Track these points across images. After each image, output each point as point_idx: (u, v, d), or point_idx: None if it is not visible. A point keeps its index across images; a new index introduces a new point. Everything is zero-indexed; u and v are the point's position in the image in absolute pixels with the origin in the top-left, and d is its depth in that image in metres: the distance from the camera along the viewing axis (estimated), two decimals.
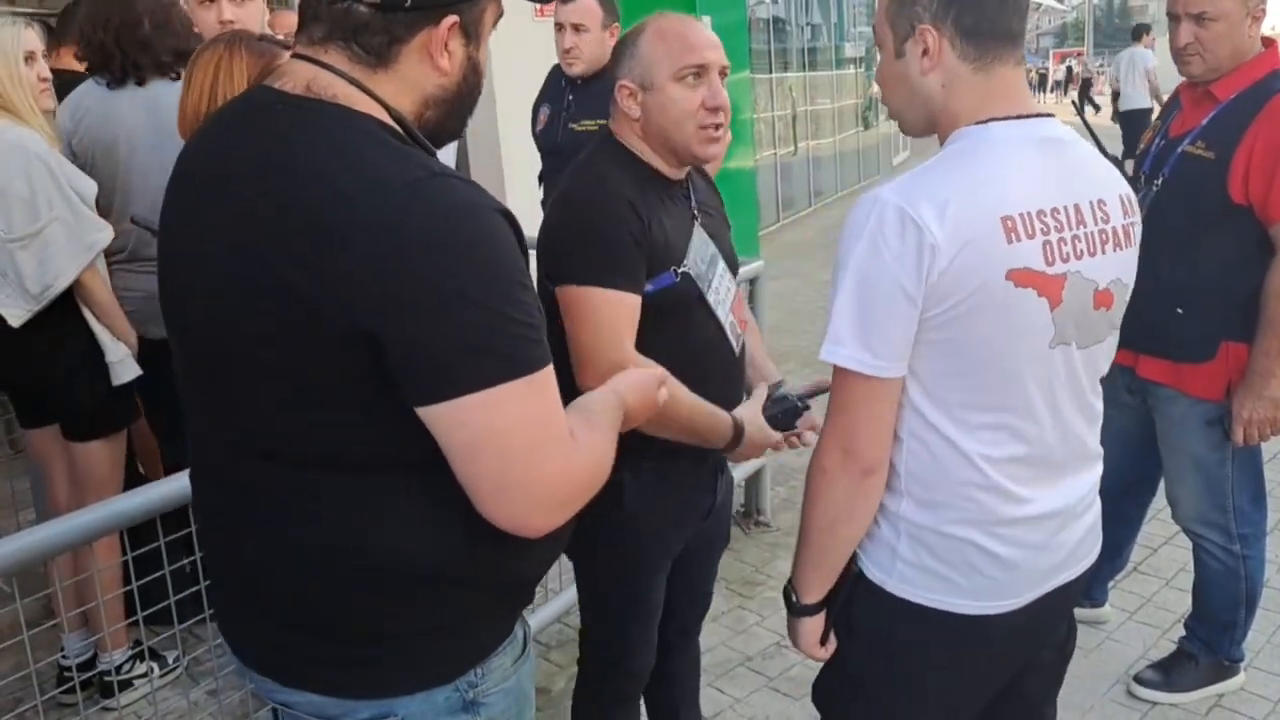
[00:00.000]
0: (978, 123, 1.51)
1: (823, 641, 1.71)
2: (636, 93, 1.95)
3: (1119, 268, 1.57)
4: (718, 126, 1.94)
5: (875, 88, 1.86)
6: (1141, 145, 3.00)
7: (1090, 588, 3.43)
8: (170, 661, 3.18)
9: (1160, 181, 2.78)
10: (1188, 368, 2.77)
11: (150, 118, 3.05)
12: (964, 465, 1.52)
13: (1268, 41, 2.69)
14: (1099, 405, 1.67)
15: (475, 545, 1.29)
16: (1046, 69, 42.13)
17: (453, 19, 1.29)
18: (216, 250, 1.24)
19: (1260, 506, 2.92)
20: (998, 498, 1.54)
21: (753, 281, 3.95)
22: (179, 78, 3.02)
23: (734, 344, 2.05)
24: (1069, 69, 35.64)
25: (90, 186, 2.91)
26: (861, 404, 1.49)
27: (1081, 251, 1.50)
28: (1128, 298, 1.62)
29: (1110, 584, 3.49)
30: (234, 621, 1.46)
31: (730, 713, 3.07)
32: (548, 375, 1.21)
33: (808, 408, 2.10)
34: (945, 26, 1.50)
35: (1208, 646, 3.03)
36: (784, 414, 2.07)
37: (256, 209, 1.20)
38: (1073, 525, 1.64)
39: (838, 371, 1.50)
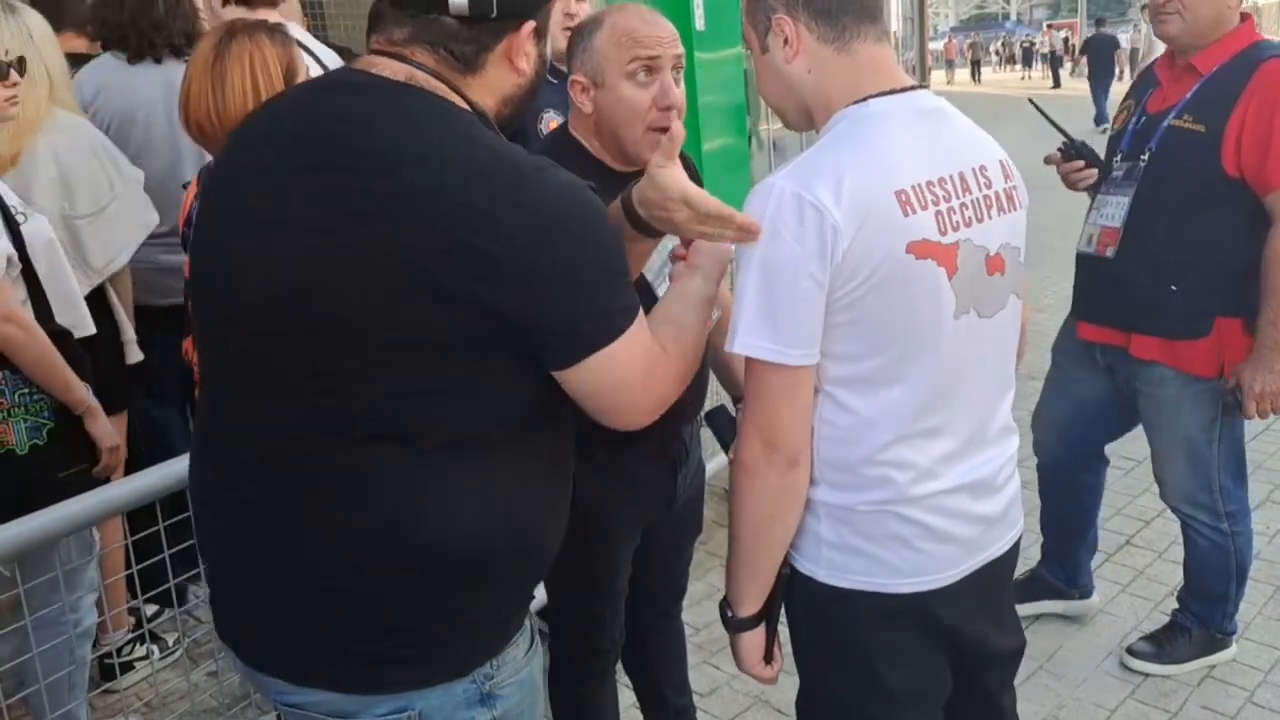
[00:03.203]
0: (855, 102, 1.53)
1: (767, 659, 1.68)
2: (589, 88, 1.91)
3: (1007, 232, 1.59)
4: (667, 128, 1.86)
5: None
6: (1115, 125, 2.98)
7: (1074, 576, 3.36)
8: (170, 644, 3.20)
9: (1147, 157, 2.75)
10: (1182, 345, 2.75)
11: (166, 95, 3.21)
12: (875, 445, 1.52)
13: (1244, 16, 2.66)
14: (1011, 377, 1.68)
15: (512, 520, 1.35)
16: (1032, 41, 41.33)
17: (532, 24, 1.37)
18: (323, 225, 1.25)
19: (1241, 482, 2.94)
20: (912, 475, 1.54)
21: None
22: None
23: None
24: (1065, 40, 34.79)
25: (138, 171, 3.05)
26: (779, 394, 1.49)
27: (970, 219, 1.52)
28: (1021, 260, 1.63)
29: (1095, 566, 3.48)
30: (242, 623, 1.43)
31: (726, 689, 3.09)
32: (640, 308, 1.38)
33: None
34: (799, 13, 1.53)
35: (1201, 620, 3.06)
36: (720, 423, 2.05)
37: (383, 187, 1.23)
38: (991, 498, 1.64)
39: (751, 364, 1.49)
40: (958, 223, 1.50)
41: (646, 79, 1.86)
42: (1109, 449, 4.66)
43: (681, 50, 1.91)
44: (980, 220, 1.54)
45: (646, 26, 1.87)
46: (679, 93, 1.91)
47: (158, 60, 3.23)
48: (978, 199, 1.54)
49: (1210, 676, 3.04)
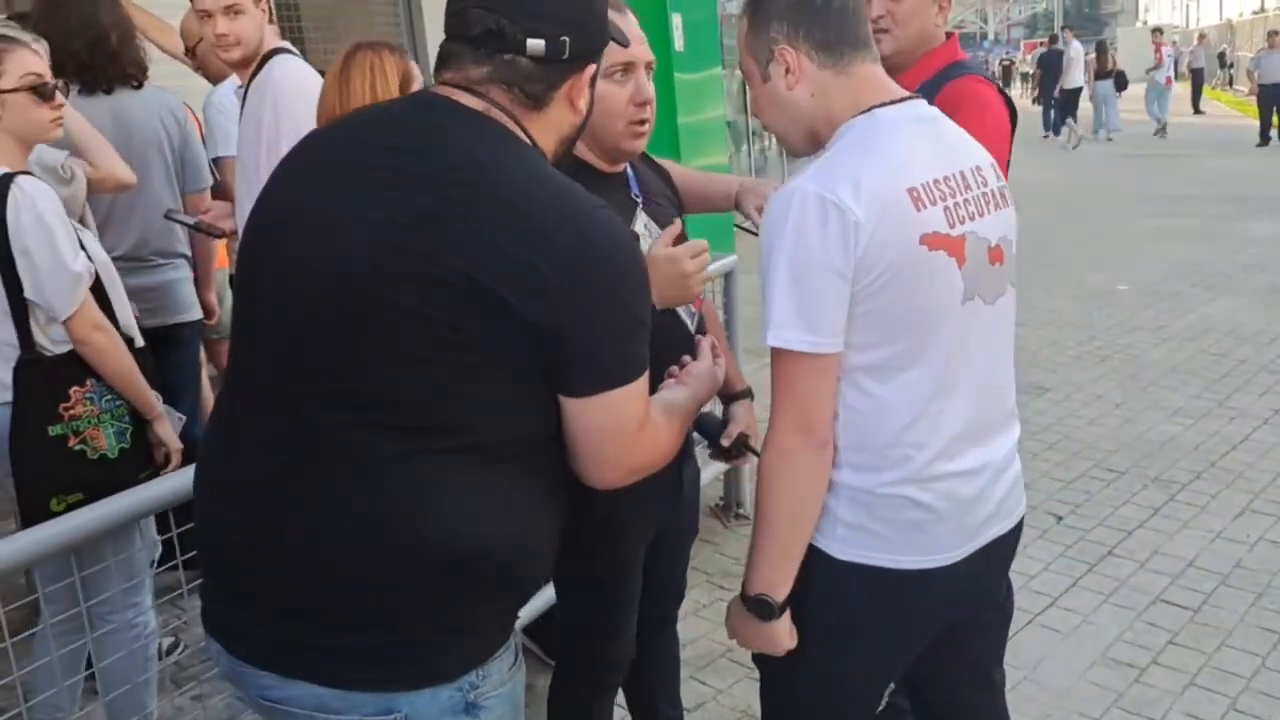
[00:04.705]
0: (860, 113, 1.65)
1: None
2: None
3: (1003, 226, 1.72)
4: (644, 121, 1.98)
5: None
6: None
7: None
8: (164, 650, 3.18)
9: None
10: None
11: (114, 124, 3.27)
12: (895, 427, 1.62)
13: (949, 35, 2.64)
14: (1012, 366, 1.79)
15: (508, 528, 1.40)
16: (1012, 60, 41.31)
17: (593, 67, 1.51)
18: (397, 220, 1.33)
19: None
20: (929, 454, 1.63)
21: (726, 276, 3.97)
22: (140, 86, 3.36)
23: (689, 322, 2.09)
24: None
25: None
26: (811, 381, 1.58)
27: (974, 213, 1.65)
28: (1014, 253, 1.76)
29: (1078, 576, 3.48)
30: (234, 611, 1.45)
31: (713, 704, 3.09)
32: None
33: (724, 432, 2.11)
34: (799, 42, 1.65)
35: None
36: (707, 426, 2.10)
37: (459, 196, 1.32)
38: (998, 479, 1.73)
39: (783, 355, 1.58)
40: (963, 216, 1.62)
41: (623, 78, 1.95)
42: (1092, 459, 4.70)
43: (653, 57, 2.01)
44: (981, 215, 1.66)
45: (625, 46, 1.93)
46: (651, 89, 2.01)
47: (108, 91, 3.28)
48: (977, 196, 1.67)
49: (1194, 684, 3.05)
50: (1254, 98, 17.69)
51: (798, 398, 1.59)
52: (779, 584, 1.68)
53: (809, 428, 1.59)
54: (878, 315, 1.57)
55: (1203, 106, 22.78)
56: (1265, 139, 16.41)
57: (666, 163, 2.34)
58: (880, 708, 2.81)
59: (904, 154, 1.61)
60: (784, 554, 1.67)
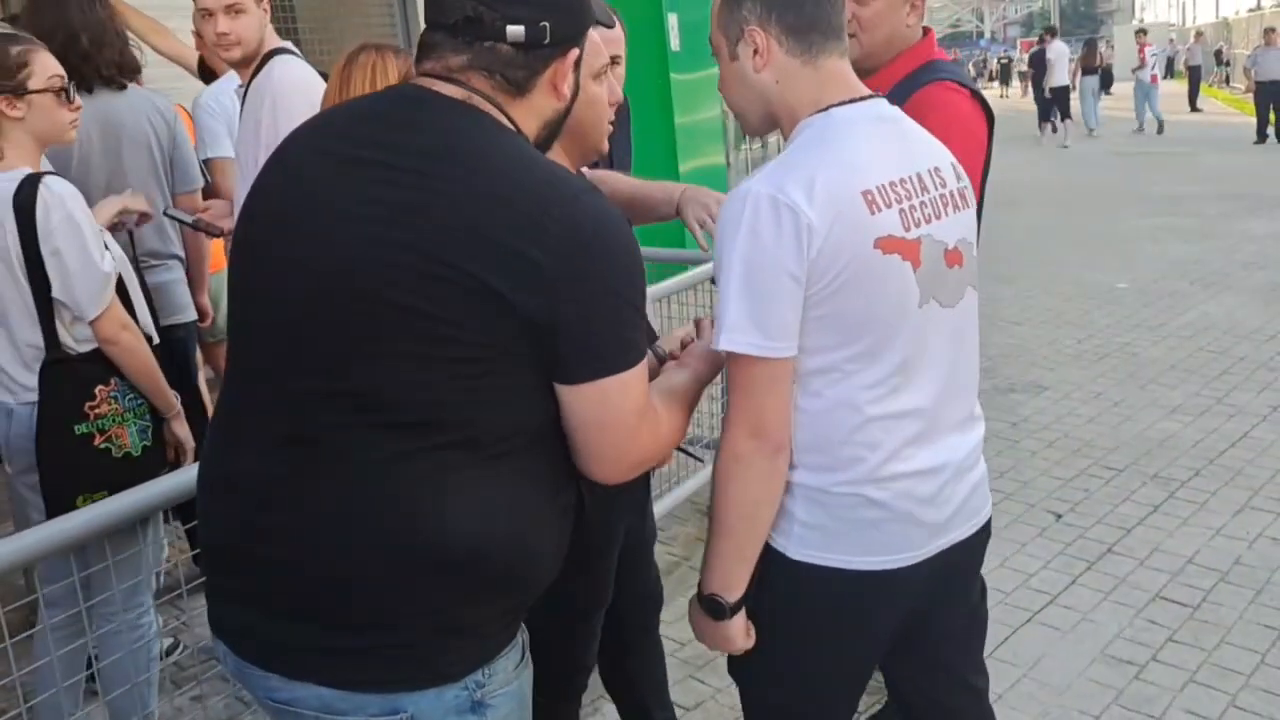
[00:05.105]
0: (818, 111, 1.63)
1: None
2: None
3: (962, 228, 1.69)
4: (612, 121, 1.95)
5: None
6: None
7: None
8: (164, 649, 3.18)
9: None
10: None
11: (100, 125, 3.26)
12: (850, 428, 1.60)
13: (926, 30, 2.50)
14: (975, 368, 1.78)
15: (507, 527, 1.38)
16: (1009, 57, 41.12)
17: (577, 51, 1.49)
18: (382, 215, 1.32)
19: None
20: (883, 455, 1.61)
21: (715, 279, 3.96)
22: (124, 88, 3.33)
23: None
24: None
25: None
26: (765, 385, 1.56)
27: (930, 216, 1.62)
28: (975, 254, 1.74)
29: (1077, 574, 3.49)
30: (239, 611, 1.45)
31: (712, 703, 3.09)
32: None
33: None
34: (770, 26, 1.62)
35: None
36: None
37: (444, 188, 1.31)
38: (959, 480, 1.71)
39: (736, 358, 1.56)
40: (919, 219, 1.60)
41: (604, 79, 1.90)
42: (1091, 457, 4.71)
43: (622, 49, 1.98)
44: (938, 217, 1.64)
45: (611, 29, 1.91)
46: (620, 89, 1.99)
47: (89, 91, 3.25)
48: (935, 198, 1.64)
49: (1193, 681, 3.05)
50: (1251, 95, 17.73)
51: (752, 402, 1.57)
52: (733, 585, 1.67)
53: (761, 432, 1.57)
54: (834, 319, 1.55)
55: (1200, 104, 22.80)
56: (1262, 136, 16.44)
57: (598, 174, 2.33)
58: (879, 708, 2.83)
59: (860, 155, 1.58)
60: (738, 556, 1.66)
